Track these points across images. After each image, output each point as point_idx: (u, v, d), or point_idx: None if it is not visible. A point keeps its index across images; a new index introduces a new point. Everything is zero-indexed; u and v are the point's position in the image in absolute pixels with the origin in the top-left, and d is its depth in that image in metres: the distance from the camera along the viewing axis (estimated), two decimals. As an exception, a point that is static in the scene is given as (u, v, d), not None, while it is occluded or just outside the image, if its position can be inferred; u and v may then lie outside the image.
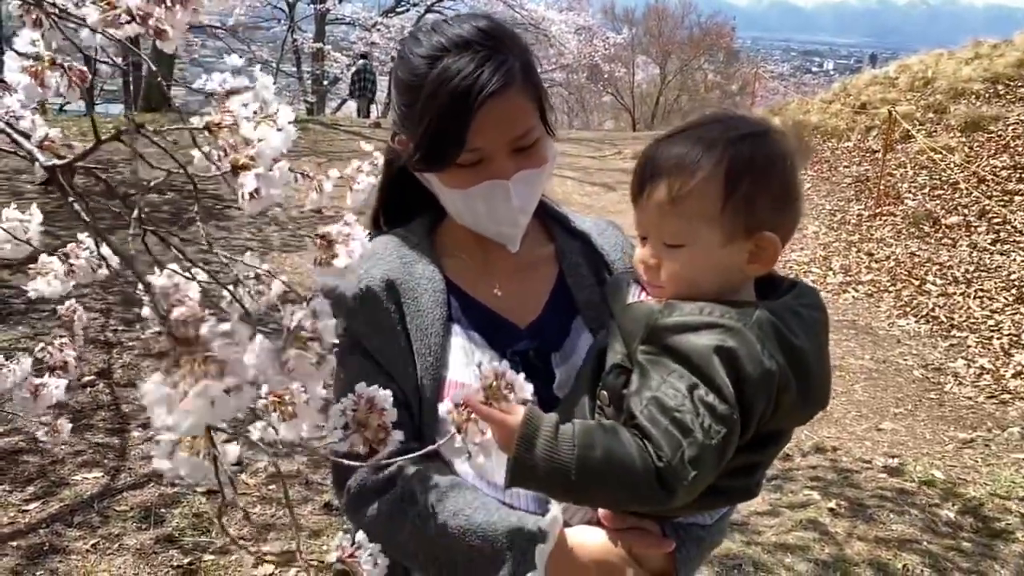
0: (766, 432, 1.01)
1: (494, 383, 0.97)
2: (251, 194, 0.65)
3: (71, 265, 1.07)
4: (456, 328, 1.21)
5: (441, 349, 1.18)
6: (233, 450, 0.71)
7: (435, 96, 1.09)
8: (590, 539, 1.08)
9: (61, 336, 1.28)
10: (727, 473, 1.01)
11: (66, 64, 0.78)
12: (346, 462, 0.97)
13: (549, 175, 1.22)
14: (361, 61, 18.03)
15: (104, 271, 1.06)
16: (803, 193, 1.06)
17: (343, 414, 0.87)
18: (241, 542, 3.10)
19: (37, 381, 1.17)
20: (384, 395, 0.88)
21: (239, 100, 0.67)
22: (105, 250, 1.06)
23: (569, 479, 0.94)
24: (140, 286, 1.04)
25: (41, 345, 1.23)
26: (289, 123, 0.68)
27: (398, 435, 0.89)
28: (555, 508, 1.10)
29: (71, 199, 0.73)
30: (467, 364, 1.19)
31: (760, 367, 0.93)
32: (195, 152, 0.68)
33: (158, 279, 1.04)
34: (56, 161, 0.79)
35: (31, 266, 1.05)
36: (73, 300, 1.31)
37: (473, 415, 0.96)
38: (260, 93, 0.69)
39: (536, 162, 1.16)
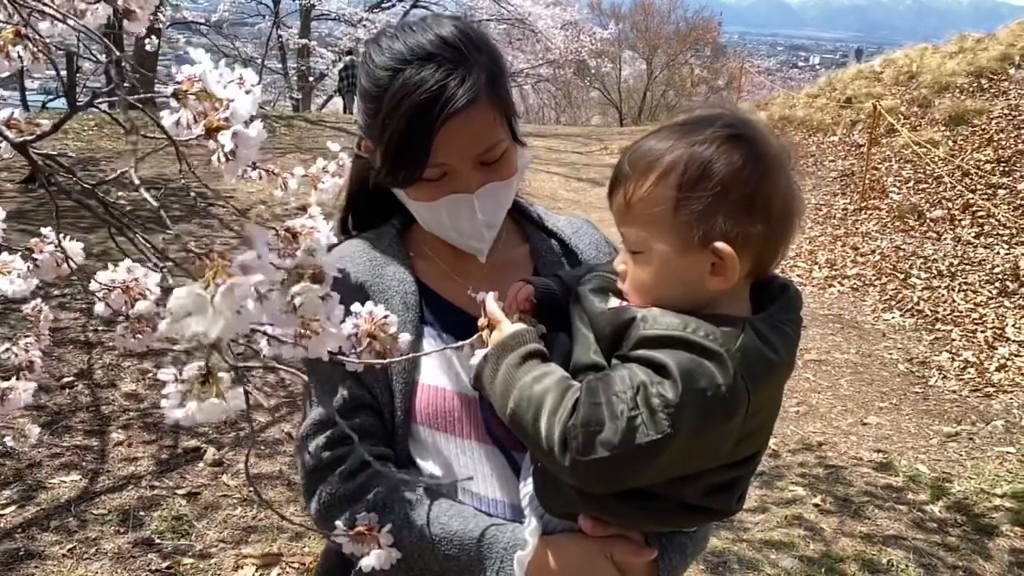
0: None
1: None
2: (228, 155, 0.65)
3: (35, 260, 1.04)
4: (428, 331, 1.19)
5: (413, 352, 1.15)
6: (238, 393, 0.73)
7: (396, 111, 1.06)
8: (570, 547, 1.05)
9: (26, 336, 1.25)
10: (707, 491, 0.99)
11: (30, 35, 0.76)
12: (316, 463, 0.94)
13: (518, 185, 1.20)
14: (348, 57, 17.92)
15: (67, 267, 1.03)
16: (786, 200, 0.96)
17: (349, 337, 0.90)
18: (221, 545, 3.07)
19: (4, 385, 1.14)
20: (380, 307, 0.93)
21: (203, 66, 0.67)
22: (68, 244, 1.03)
23: (507, 398, 0.97)
24: (93, 285, 1.01)
25: (6, 347, 1.20)
26: (255, 85, 0.68)
27: (405, 336, 0.93)
28: (535, 516, 1.09)
29: (46, 178, 0.72)
30: (440, 367, 1.16)
31: (731, 397, 0.89)
32: (166, 120, 0.66)
33: (117, 272, 1.02)
34: (26, 137, 0.78)
35: (-7, 265, 1.02)
36: (39, 300, 1.28)
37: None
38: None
39: (503, 174, 1.14)
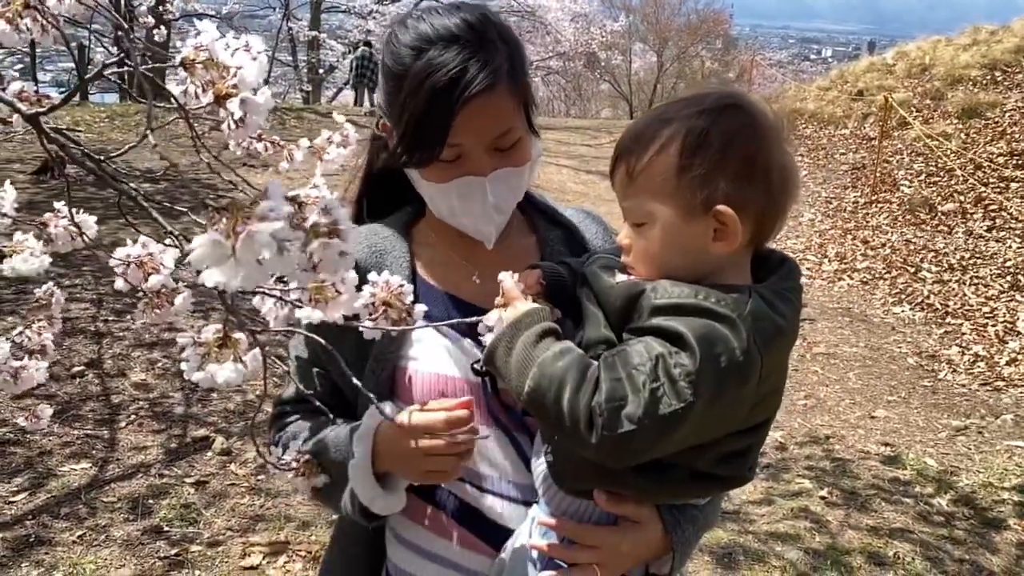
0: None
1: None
2: (237, 123, 0.66)
3: (48, 235, 1.05)
4: (422, 323, 1.20)
5: (400, 340, 1.17)
6: (251, 356, 0.74)
7: (418, 91, 1.08)
8: (385, 433, 1.09)
9: (39, 320, 1.26)
10: (721, 459, 1.00)
11: (39, 7, 0.76)
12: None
13: (532, 174, 1.21)
14: (363, 48, 17.77)
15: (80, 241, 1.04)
16: (784, 169, 1.00)
17: (366, 307, 0.91)
18: (229, 533, 3.09)
19: (16, 364, 1.15)
20: (397, 277, 0.93)
21: (210, 36, 0.68)
22: (80, 218, 1.04)
23: (524, 376, 0.95)
24: (114, 256, 1.03)
25: (19, 330, 1.21)
26: (260, 52, 0.68)
27: (420, 308, 0.94)
28: (375, 407, 1.11)
29: (60, 148, 0.73)
30: (441, 353, 1.17)
31: (746, 360, 0.90)
32: (174, 90, 0.67)
33: (132, 248, 1.03)
34: (37, 109, 0.79)
35: (6, 244, 1.04)
36: (51, 283, 1.29)
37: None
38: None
39: (516, 161, 1.15)
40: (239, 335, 0.70)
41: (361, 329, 0.92)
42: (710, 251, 0.97)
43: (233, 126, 0.66)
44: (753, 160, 0.97)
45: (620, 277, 1.04)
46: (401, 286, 0.93)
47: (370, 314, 0.92)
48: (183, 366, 0.70)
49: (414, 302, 1.20)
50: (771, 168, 0.98)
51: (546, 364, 0.95)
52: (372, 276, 0.92)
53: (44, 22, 0.75)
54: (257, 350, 0.72)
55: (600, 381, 0.91)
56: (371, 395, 0.95)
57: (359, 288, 1.14)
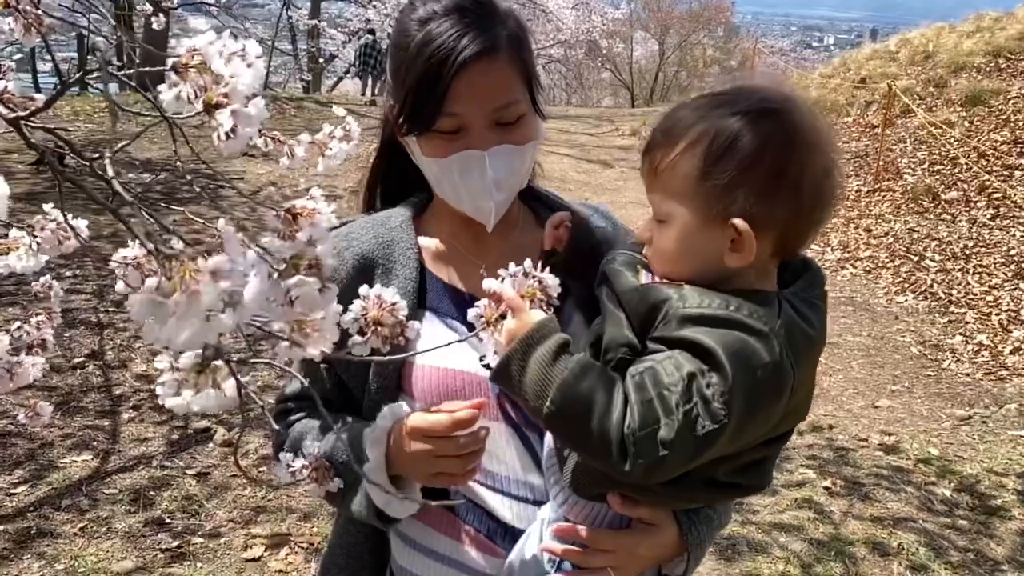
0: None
1: (531, 284, 0.97)
2: (227, 134, 0.63)
3: (36, 238, 1.04)
4: (430, 316, 1.18)
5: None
6: (231, 384, 0.70)
7: (418, 57, 1.09)
8: (415, 420, 1.06)
9: (38, 314, 1.24)
10: (740, 469, 0.99)
11: (20, 7, 0.74)
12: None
13: (533, 155, 1.19)
14: (367, 36, 17.70)
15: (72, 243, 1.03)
16: (819, 180, 0.94)
17: (356, 321, 0.85)
18: (230, 525, 3.08)
19: (13, 359, 1.13)
20: (390, 291, 0.87)
21: (206, 39, 0.65)
22: (73, 221, 1.02)
23: (544, 396, 0.91)
24: (113, 259, 1.01)
25: (17, 324, 1.20)
26: (258, 58, 0.66)
27: (416, 325, 0.87)
28: (391, 408, 1.10)
29: (46, 157, 0.71)
30: (447, 347, 1.15)
31: (779, 375, 0.88)
32: (166, 95, 0.65)
33: (129, 250, 1.01)
34: (18, 113, 0.76)
35: (1, 241, 1.02)
36: (48, 276, 1.27)
37: (500, 316, 0.96)
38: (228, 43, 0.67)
39: (518, 139, 1.13)
40: (220, 363, 0.67)
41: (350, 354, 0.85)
42: (725, 260, 0.94)
43: (223, 137, 0.64)
44: (782, 172, 0.92)
45: (643, 276, 1.01)
46: (394, 304, 0.86)
47: (359, 331, 0.85)
48: (158, 390, 0.68)
49: (420, 304, 1.17)
50: (803, 180, 0.92)
51: (567, 385, 0.90)
52: (363, 290, 0.86)
53: (26, 22, 0.73)
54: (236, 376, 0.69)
55: (630, 404, 0.87)
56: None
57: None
